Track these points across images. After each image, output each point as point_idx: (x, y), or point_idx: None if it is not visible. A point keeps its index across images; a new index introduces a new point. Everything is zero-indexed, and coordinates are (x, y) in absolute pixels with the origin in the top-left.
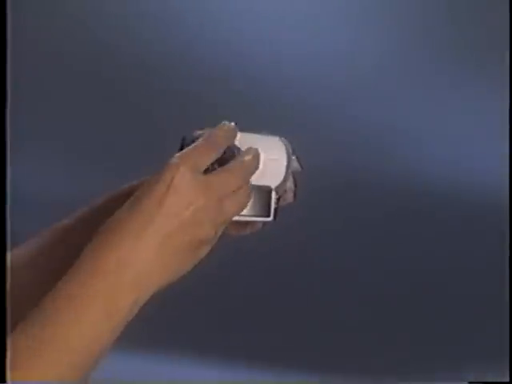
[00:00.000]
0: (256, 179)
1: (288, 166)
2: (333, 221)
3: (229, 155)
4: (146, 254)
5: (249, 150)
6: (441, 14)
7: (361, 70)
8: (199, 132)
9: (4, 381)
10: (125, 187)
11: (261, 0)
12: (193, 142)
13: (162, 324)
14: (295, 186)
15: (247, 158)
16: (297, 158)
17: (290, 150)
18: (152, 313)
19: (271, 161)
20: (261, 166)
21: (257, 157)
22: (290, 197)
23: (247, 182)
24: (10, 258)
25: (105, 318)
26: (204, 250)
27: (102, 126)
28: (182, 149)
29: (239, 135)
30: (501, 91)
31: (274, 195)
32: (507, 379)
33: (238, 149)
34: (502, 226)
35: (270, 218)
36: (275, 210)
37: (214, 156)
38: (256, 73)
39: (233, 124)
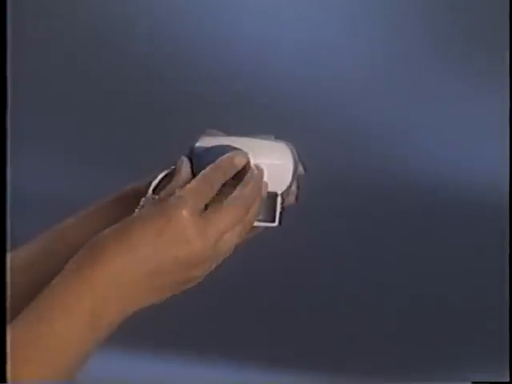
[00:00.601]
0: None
1: (294, 172)
2: (333, 221)
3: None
4: (134, 276)
5: (249, 179)
6: (441, 14)
7: (361, 69)
8: (208, 142)
9: (4, 381)
10: (127, 189)
11: (263, 1)
12: (201, 153)
13: (161, 324)
14: (298, 188)
15: (247, 191)
16: (300, 161)
17: (296, 156)
18: (151, 313)
19: (277, 166)
20: (267, 171)
21: (257, 188)
22: (292, 199)
23: (244, 217)
24: (10, 259)
25: (90, 330)
26: (191, 286)
27: (103, 126)
28: (191, 161)
29: (243, 140)
30: (501, 91)
31: (279, 200)
32: (507, 379)
33: (248, 158)
34: (502, 225)
35: (275, 224)
36: (280, 214)
37: (215, 191)
38: (256, 73)
39: (241, 158)
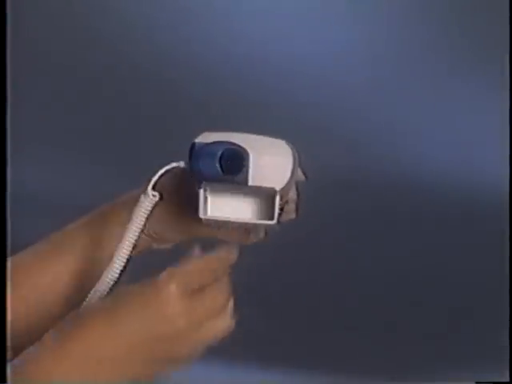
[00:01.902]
0: (260, 181)
1: (293, 170)
2: (333, 220)
3: (238, 162)
4: (115, 347)
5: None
6: (441, 14)
7: (360, 69)
8: (210, 138)
9: (4, 381)
10: (124, 197)
11: (263, 1)
12: (202, 149)
13: None
14: (298, 196)
15: (226, 279)
16: (301, 168)
17: (296, 154)
18: None
19: (277, 162)
20: (266, 167)
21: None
22: (291, 209)
23: (228, 307)
24: (12, 264)
25: None
26: (175, 367)
27: (103, 127)
28: (190, 156)
29: (243, 136)
30: (501, 91)
31: (278, 198)
32: (507, 379)
33: (247, 153)
34: (502, 225)
35: (274, 222)
36: (279, 214)
37: (206, 279)
38: (257, 73)
39: (234, 252)
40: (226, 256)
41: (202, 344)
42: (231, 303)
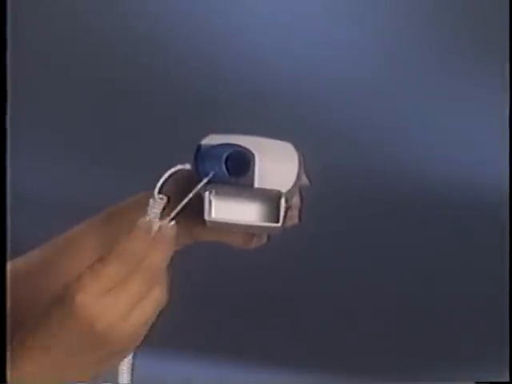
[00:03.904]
0: (265, 183)
1: (299, 172)
2: (333, 220)
3: (243, 164)
4: (52, 369)
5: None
6: (441, 14)
7: (360, 70)
8: (215, 140)
9: (4, 381)
10: (123, 203)
11: (263, 0)
12: (208, 151)
13: (160, 324)
14: (301, 200)
15: (153, 258)
16: (305, 173)
17: (302, 157)
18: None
19: (282, 164)
20: (272, 170)
21: (161, 249)
22: (295, 214)
23: (158, 280)
24: (14, 267)
25: None
26: (121, 357)
27: (103, 127)
28: (196, 158)
29: (249, 139)
30: (501, 91)
31: (283, 201)
32: (507, 379)
33: (253, 155)
34: (502, 225)
35: (279, 224)
36: (283, 217)
37: (121, 274)
38: (257, 74)
39: (153, 222)
40: (138, 238)
41: (137, 329)
42: (160, 277)
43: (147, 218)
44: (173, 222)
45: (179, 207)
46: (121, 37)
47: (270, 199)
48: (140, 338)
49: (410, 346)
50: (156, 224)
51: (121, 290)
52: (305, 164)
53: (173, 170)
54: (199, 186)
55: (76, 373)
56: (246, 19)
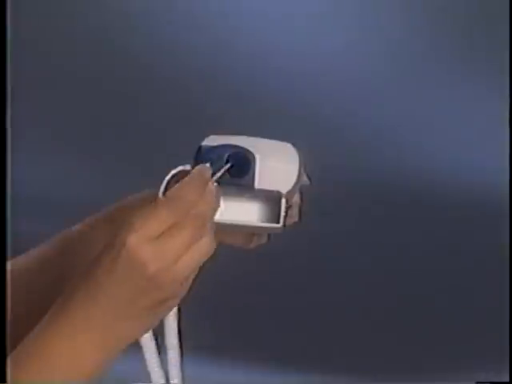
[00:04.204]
0: (266, 183)
1: (299, 173)
2: (333, 220)
3: (244, 165)
4: (102, 320)
5: (204, 193)
6: (441, 14)
7: (360, 69)
8: (216, 141)
9: (4, 381)
10: (125, 201)
11: (263, 0)
12: (209, 152)
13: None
14: (301, 200)
15: (202, 207)
16: (305, 172)
17: (302, 158)
18: None
19: (283, 165)
20: (272, 170)
21: (210, 200)
22: (295, 213)
23: (206, 231)
24: (12, 266)
25: (65, 378)
26: (170, 305)
27: (103, 127)
28: (196, 159)
29: (249, 140)
30: (501, 91)
31: (283, 201)
32: (507, 379)
33: (253, 156)
34: (502, 225)
35: (280, 225)
36: (284, 218)
37: (172, 220)
38: (258, 74)
39: (206, 170)
40: (191, 185)
41: (184, 278)
42: (207, 229)
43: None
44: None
45: (220, 172)
46: (121, 37)
47: (271, 200)
48: (187, 287)
49: (410, 347)
50: (209, 172)
51: (171, 235)
52: (305, 164)
53: (174, 171)
54: (225, 167)
55: (126, 326)
56: (246, 19)
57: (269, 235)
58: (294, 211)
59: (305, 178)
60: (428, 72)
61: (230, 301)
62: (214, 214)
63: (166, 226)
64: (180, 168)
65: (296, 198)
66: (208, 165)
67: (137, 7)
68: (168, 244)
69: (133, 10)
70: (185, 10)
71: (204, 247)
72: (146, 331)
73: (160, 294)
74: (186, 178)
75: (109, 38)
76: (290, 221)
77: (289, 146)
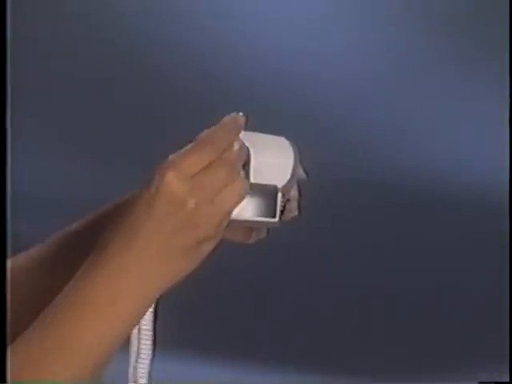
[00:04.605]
0: (261, 178)
1: (295, 166)
2: (333, 219)
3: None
4: (140, 260)
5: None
6: (441, 15)
7: (360, 70)
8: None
9: (4, 381)
10: (131, 194)
11: (264, 0)
12: None
13: (160, 323)
14: (299, 195)
15: (235, 148)
16: (302, 167)
17: (297, 151)
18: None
19: (277, 159)
20: (267, 164)
21: (241, 146)
22: (294, 207)
23: (237, 175)
24: (13, 264)
25: (106, 324)
26: (205, 249)
27: (103, 127)
28: None
29: (244, 134)
30: (501, 91)
31: (279, 195)
32: (507, 379)
33: (248, 150)
34: (502, 225)
35: (276, 219)
36: (281, 212)
37: (207, 159)
38: (257, 71)
39: (240, 117)
40: (229, 127)
41: (222, 215)
42: (238, 173)
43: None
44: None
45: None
46: (121, 37)
47: (266, 194)
48: (220, 232)
49: (411, 347)
50: (241, 120)
51: (208, 173)
52: (301, 158)
53: None
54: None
55: (163, 268)
56: (246, 19)
57: (268, 230)
58: (293, 205)
59: (301, 172)
60: (428, 72)
61: (229, 300)
62: (242, 162)
63: (202, 165)
64: None
65: (294, 193)
66: (241, 113)
67: (137, 8)
68: (205, 182)
69: (134, 11)
70: (186, 11)
71: (237, 189)
72: (180, 276)
73: (196, 232)
74: (221, 123)
75: (109, 38)
76: (289, 215)
77: (283, 139)
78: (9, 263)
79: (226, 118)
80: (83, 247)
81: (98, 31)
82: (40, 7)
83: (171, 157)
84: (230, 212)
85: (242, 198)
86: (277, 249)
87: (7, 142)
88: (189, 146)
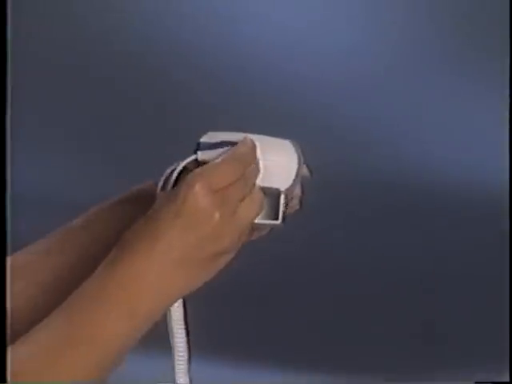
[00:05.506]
0: (265, 181)
1: (299, 169)
2: (332, 219)
3: None
4: (161, 266)
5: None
6: (441, 14)
7: (361, 70)
8: (215, 138)
9: (4, 381)
10: (133, 190)
11: (265, 2)
12: (209, 148)
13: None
14: (302, 192)
15: (253, 169)
16: (306, 164)
17: (301, 154)
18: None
19: (282, 162)
20: (271, 167)
21: (257, 165)
22: (295, 203)
23: (254, 188)
24: (14, 260)
25: (124, 322)
26: (222, 262)
27: (103, 126)
28: (196, 154)
29: (251, 136)
30: (501, 91)
31: (282, 198)
32: (507, 379)
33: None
34: (502, 225)
35: (279, 222)
36: (283, 214)
37: (235, 176)
38: (258, 73)
39: (253, 139)
40: (247, 149)
41: (243, 227)
42: (255, 186)
43: None
44: None
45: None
46: (121, 37)
47: (270, 197)
48: (240, 243)
49: (410, 347)
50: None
51: (231, 187)
52: (304, 156)
53: (183, 163)
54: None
55: (181, 276)
56: (247, 19)
57: (270, 229)
58: (295, 202)
59: (305, 171)
60: (428, 72)
61: (229, 300)
62: (256, 177)
63: (229, 181)
64: (193, 157)
65: (297, 191)
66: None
67: (138, 8)
68: (229, 196)
69: (135, 12)
70: (188, 13)
71: (256, 200)
72: (194, 286)
73: (217, 245)
74: (245, 142)
75: (109, 39)
76: (290, 210)
77: (287, 142)
78: (9, 260)
79: (248, 138)
80: (87, 241)
81: (99, 31)
82: (40, 7)
83: (199, 170)
84: (250, 224)
85: (261, 209)
86: (277, 249)
87: (7, 142)
88: (217, 161)
